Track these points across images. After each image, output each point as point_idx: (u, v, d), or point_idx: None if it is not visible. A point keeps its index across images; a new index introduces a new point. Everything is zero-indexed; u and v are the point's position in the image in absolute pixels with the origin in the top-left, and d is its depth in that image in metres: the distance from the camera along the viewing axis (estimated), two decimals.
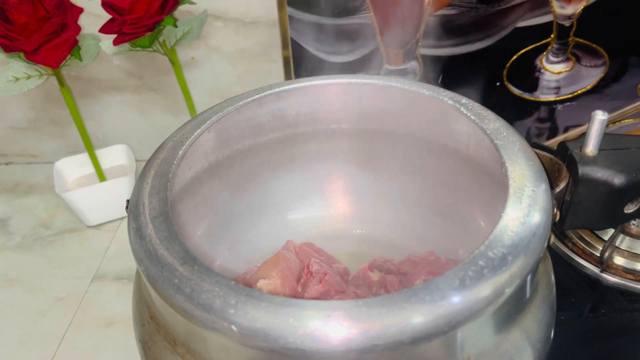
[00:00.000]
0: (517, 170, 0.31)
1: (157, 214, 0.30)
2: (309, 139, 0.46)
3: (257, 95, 0.41)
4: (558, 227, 0.35)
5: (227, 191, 0.44)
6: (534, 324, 0.30)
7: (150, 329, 0.31)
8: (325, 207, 0.49)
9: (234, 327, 0.24)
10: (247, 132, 0.43)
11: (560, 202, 0.34)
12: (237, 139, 0.42)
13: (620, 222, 0.36)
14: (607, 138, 0.34)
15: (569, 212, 0.34)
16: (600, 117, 0.33)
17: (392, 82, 0.41)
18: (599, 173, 0.33)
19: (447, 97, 0.38)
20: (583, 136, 0.34)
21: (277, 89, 0.42)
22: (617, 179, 0.32)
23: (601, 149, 0.34)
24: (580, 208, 0.34)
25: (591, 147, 0.33)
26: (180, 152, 0.36)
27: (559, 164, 0.34)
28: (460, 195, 0.43)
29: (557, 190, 0.33)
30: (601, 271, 0.47)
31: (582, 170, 0.33)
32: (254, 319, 0.24)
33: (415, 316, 0.23)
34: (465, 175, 0.41)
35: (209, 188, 0.42)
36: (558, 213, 0.32)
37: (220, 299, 0.25)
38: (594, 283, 0.47)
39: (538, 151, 0.34)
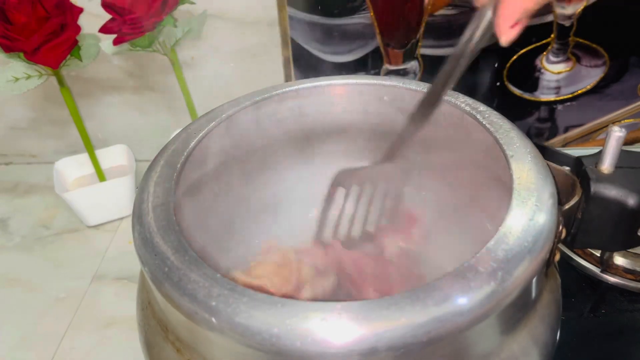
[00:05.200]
0: (524, 179, 0.30)
1: (159, 203, 0.31)
2: (314, 140, 0.46)
3: (258, 97, 0.41)
4: (568, 246, 0.34)
5: (233, 189, 0.44)
6: (540, 326, 0.29)
7: (148, 314, 0.32)
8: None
9: (214, 319, 0.24)
10: (250, 133, 0.43)
11: (572, 220, 0.33)
12: (243, 140, 0.42)
13: (634, 244, 0.34)
14: (626, 155, 0.33)
15: (580, 231, 0.33)
16: (617, 133, 0.31)
17: (412, 85, 0.41)
18: (613, 191, 0.31)
19: (464, 103, 0.38)
20: (600, 152, 0.33)
21: (279, 91, 0.42)
22: (632, 199, 0.31)
23: (618, 166, 0.32)
24: (592, 227, 0.33)
25: (607, 164, 0.32)
26: (192, 144, 0.36)
27: (574, 179, 0.33)
28: (467, 198, 0.43)
29: (567, 206, 0.31)
30: (601, 271, 0.47)
31: (595, 187, 0.32)
32: (235, 313, 0.24)
33: (418, 318, 0.23)
34: (473, 178, 0.41)
35: (216, 185, 0.42)
36: (564, 230, 0.31)
37: (204, 290, 0.25)
38: (595, 283, 0.47)
39: (552, 165, 0.33)
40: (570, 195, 0.33)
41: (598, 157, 0.33)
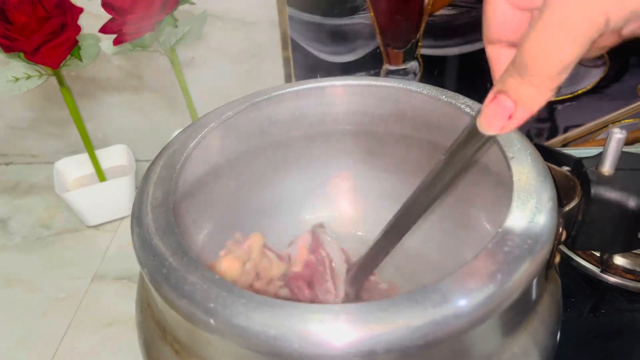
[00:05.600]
0: (524, 180, 0.30)
1: (158, 204, 0.31)
2: (314, 140, 0.46)
3: (258, 99, 0.41)
4: (569, 248, 0.33)
5: (232, 191, 0.44)
6: (540, 328, 0.29)
7: (147, 315, 0.32)
8: (331, 209, 0.49)
9: (212, 321, 0.24)
10: (250, 134, 0.43)
11: (572, 222, 0.32)
12: (242, 141, 0.42)
13: (634, 247, 0.34)
14: (627, 157, 0.32)
15: (580, 233, 0.32)
16: (617, 135, 0.31)
17: (411, 86, 0.40)
18: (613, 194, 0.31)
19: (464, 105, 0.37)
20: (601, 154, 0.33)
21: (279, 92, 0.42)
22: (632, 201, 0.31)
23: (619, 168, 0.32)
24: (592, 229, 0.32)
25: (607, 166, 0.32)
26: (191, 145, 0.36)
27: (574, 181, 0.33)
28: (466, 199, 0.43)
29: (567, 208, 0.31)
30: (601, 271, 0.47)
31: (595, 189, 0.31)
32: (233, 314, 0.24)
33: (417, 321, 0.23)
34: (472, 179, 0.41)
35: (215, 186, 0.42)
36: (564, 232, 0.30)
37: (202, 291, 0.25)
38: (594, 283, 0.47)
39: (553, 166, 0.33)
40: (570, 197, 0.32)
41: (599, 158, 0.32)
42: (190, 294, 0.25)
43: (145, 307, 0.32)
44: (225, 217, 0.44)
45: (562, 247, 0.49)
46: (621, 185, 0.31)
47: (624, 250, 0.36)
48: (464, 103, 0.38)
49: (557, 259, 0.31)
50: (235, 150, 0.42)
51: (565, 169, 0.40)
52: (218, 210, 0.43)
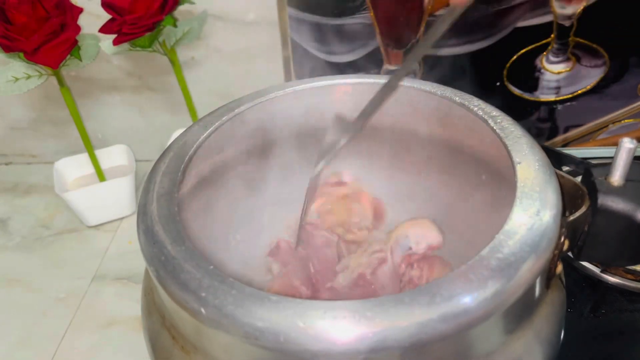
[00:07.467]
0: (528, 187, 0.30)
1: (164, 193, 0.31)
2: (317, 139, 0.46)
3: (272, 94, 0.41)
4: (575, 258, 0.33)
5: (239, 184, 0.44)
6: (544, 324, 0.29)
7: (149, 300, 0.33)
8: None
9: (202, 310, 0.25)
10: (258, 130, 0.42)
11: (579, 232, 0.32)
12: (251, 137, 0.42)
13: None
14: (639, 168, 0.31)
15: (586, 244, 0.32)
16: (627, 145, 0.30)
17: (425, 86, 0.40)
18: (620, 205, 0.30)
19: (477, 107, 0.37)
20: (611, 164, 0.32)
21: (288, 89, 0.41)
22: None
23: (629, 179, 0.31)
24: (598, 240, 0.32)
25: (617, 177, 0.31)
26: (202, 137, 0.36)
27: (583, 190, 0.32)
28: (472, 197, 0.43)
29: (572, 218, 0.30)
30: (602, 271, 0.47)
31: (602, 200, 0.30)
32: (223, 304, 0.24)
33: (423, 317, 0.23)
34: (478, 178, 0.41)
35: (223, 179, 0.42)
36: (567, 242, 0.30)
37: (196, 280, 0.25)
38: (595, 283, 0.47)
39: (563, 174, 0.32)
40: (578, 206, 0.31)
41: (609, 168, 0.31)
42: (184, 282, 0.26)
43: (148, 292, 0.33)
44: (230, 211, 0.44)
45: None
46: (630, 197, 0.30)
47: (630, 264, 0.35)
48: (477, 106, 0.38)
49: (559, 268, 0.30)
50: (246, 144, 0.42)
51: (566, 169, 0.39)
52: (222, 203, 0.43)
